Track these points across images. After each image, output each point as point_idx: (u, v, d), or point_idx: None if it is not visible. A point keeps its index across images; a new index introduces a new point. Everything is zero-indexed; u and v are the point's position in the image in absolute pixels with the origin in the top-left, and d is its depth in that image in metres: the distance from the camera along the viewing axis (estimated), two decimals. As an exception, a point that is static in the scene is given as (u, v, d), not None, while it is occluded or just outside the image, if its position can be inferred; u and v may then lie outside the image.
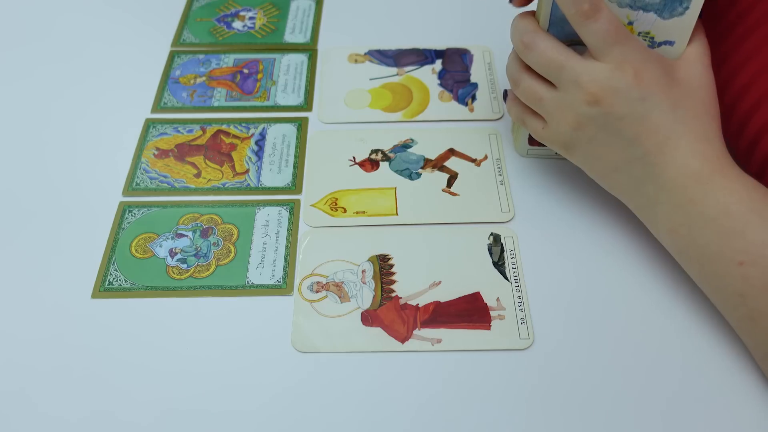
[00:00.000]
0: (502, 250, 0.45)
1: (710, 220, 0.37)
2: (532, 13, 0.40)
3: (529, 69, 0.41)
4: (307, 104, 0.55)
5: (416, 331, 0.41)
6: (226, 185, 0.49)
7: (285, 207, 0.48)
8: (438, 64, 0.57)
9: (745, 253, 0.35)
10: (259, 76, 0.57)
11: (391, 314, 0.42)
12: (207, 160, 0.51)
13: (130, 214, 0.47)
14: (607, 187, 0.42)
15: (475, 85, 0.56)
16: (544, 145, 0.44)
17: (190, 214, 0.47)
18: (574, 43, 0.39)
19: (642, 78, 0.37)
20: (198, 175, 0.50)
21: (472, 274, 0.44)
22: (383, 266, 0.44)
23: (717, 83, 0.39)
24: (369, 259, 0.45)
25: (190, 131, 0.53)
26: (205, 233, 0.46)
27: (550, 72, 0.39)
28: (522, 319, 0.41)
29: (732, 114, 0.41)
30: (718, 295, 0.38)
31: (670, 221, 0.39)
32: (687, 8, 0.37)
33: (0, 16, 0.63)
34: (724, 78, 0.41)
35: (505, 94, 0.45)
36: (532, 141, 0.48)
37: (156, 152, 0.51)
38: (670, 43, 0.39)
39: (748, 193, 0.36)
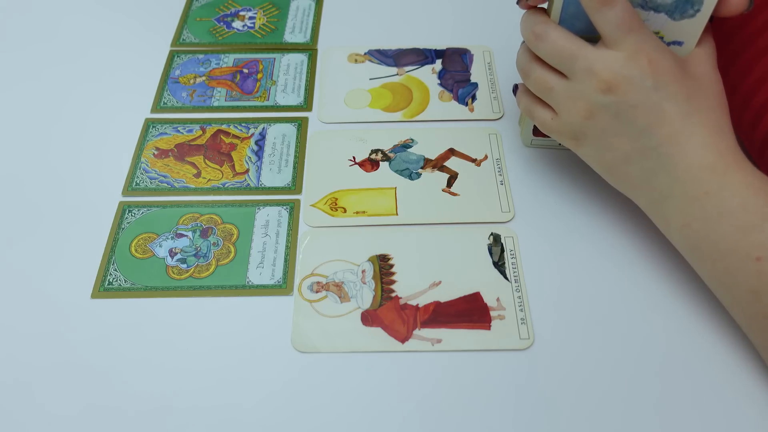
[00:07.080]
0: (502, 250, 0.45)
1: (726, 214, 0.36)
2: (543, 9, 0.40)
3: (539, 60, 0.40)
4: (307, 104, 0.55)
5: (416, 331, 0.41)
6: (226, 185, 0.49)
7: (285, 207, 0.48)
8: (438, 64, 0.57)
9: (763, 248, 0.35)
10: (259, 75, 0.57)
11: (391, 314, 0.42)
12: (207, 160, 0.51)
13: (129, 214, 0.47)
14: (615, 181, 0.41)
15: (475, 85, 0.56)
16: (548, 136, 0.44)
17: (189, 214, 0.47)
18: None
19: (656, 67, 0.36)
20: (198, 175, 0.50)
21: (472, 274, 0.44)
22: (383, 266, 0.44)
23: (727, 83, 0.39)
24: (369, 259, 0.45)
25: (190, 131, 0.53)
26: (204, 233, 0.46)
27: (561, 62, 0.39)
28: (522, 319, 0.41)
29: (743, 112, 0.41)
30: (729, 292, 0.38)
31: (683, 215, 0.38)
32: (698, 10, 0.37)
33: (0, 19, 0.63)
34: (733, 78, 0.41)
35: (515, 88, 0.45)
36: (536, 131, 0.48)
37: (156, 152, 0.51)
38: (679, 43, 0.39)
39: (765, 187, 0.36)
